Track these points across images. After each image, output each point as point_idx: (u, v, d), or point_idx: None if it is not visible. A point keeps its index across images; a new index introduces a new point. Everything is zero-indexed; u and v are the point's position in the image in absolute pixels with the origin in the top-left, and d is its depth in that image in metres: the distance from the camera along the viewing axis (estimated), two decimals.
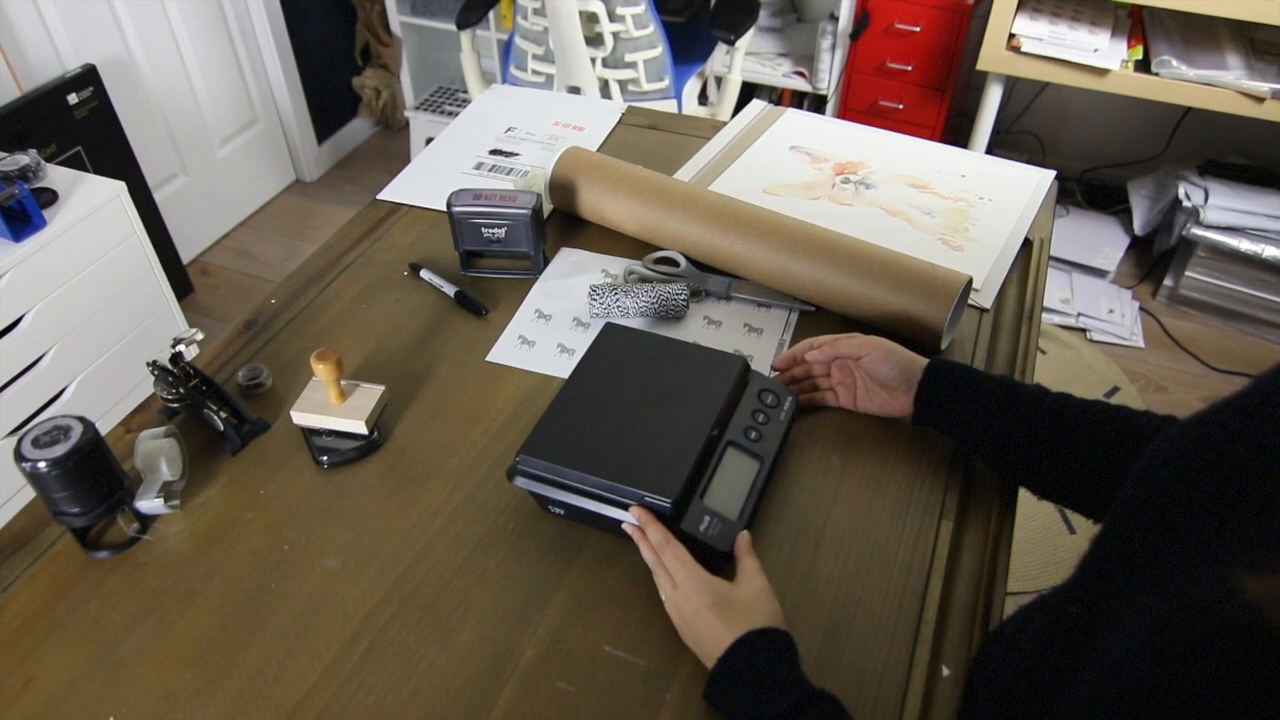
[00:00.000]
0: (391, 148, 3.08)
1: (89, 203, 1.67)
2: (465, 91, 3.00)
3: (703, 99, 2.43)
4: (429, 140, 2.43)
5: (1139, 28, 2.13)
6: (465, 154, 1.27)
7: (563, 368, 0.93)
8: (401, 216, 1.16)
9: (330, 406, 0.83)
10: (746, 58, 2.44)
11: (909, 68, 2.43)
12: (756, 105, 1.35)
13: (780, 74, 2.56)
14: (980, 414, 0.78)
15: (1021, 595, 1.72)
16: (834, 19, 2.44)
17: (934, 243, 1.07)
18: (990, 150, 2.43)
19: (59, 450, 0.70)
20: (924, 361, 0.81)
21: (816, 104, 2.65)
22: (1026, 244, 1.10)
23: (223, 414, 0.84)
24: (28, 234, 1.58)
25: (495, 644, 0.70)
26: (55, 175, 1.72)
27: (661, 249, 1.06)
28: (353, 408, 0.83)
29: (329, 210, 2.78)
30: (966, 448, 0.82)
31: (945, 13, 2.30)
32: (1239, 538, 0.45)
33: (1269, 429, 0.48)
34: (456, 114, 1.95)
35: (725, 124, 1.31)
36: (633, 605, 0.72)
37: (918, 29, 2.35)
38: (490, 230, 1.02)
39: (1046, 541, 1.83)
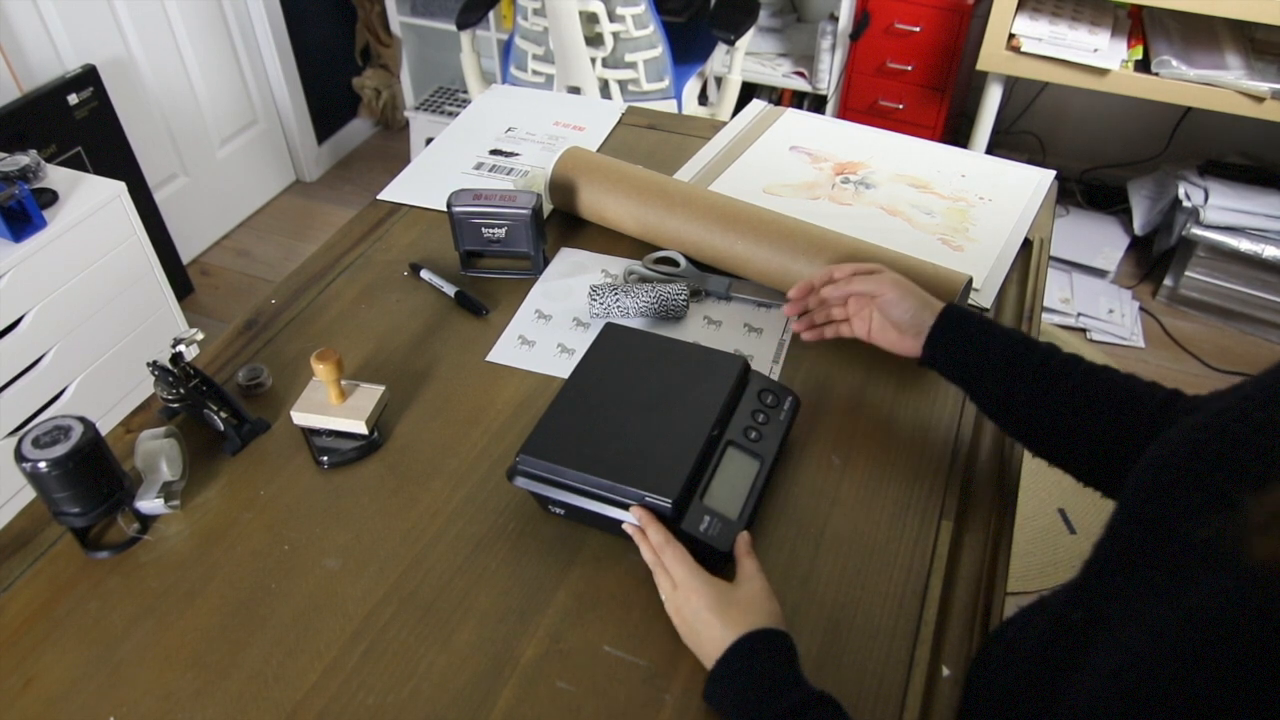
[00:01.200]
0: (391, 148, 3.08)
1: (89, 203, 1.67)
2: (465, 92, 3.00)
3: (703, 99, 2.43)
4: (429, 140, 2.43)
5: (1139, 28, 2.13)
6: (465, 154, 1.27)
7: (563, 368, 0.93)
8: (401, 217, 1.16)
9: (330, 406, 0.83)
10: (746, 58, 2.44)
11: (909, 68, 2.43)
12: (756, 105, 1.35)
13: (780, 74, 2.56)
14: (988, 363, 0.77)
15: (1021, 595, 1.72)
16: (834, 19, 2.44)
17: (934, 243, 1.07)
18: (990, 150, 2.43)
19: (59, 450, 0.70)
20: (939, 305, 0.80)
21: (816, 104, 2.65)
22: (1026, 244, 1.10)
23: (223, 414, 0.84)
24: (28, 234, 1.58)
25: (495, 644, 0.70)
26: (55, 175, 1.72)
27: (661, 249, 1.06)
28: (353, 408, 0.83)
29: (329, 210, 2.78)
30: (971, 396, 0.81)
31: (945, 13, 2.31)
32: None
33: (1269, 433, 0.48)
34: (456, 114, 1.95)
35: (725, 124, 1.31)
36: (633, 605, 0.72)
37: (918, 29, 2.35)
38: (490, 230, 1.02)
39: (1046, 542, 1.83)
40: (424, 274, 1.05)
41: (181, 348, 0.83)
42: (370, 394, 0.85)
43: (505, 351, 0.96)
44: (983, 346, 0.78)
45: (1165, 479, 0.52)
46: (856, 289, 0.84)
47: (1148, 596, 0.48)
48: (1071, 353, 0.75)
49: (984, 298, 1.01)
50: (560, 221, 1.14)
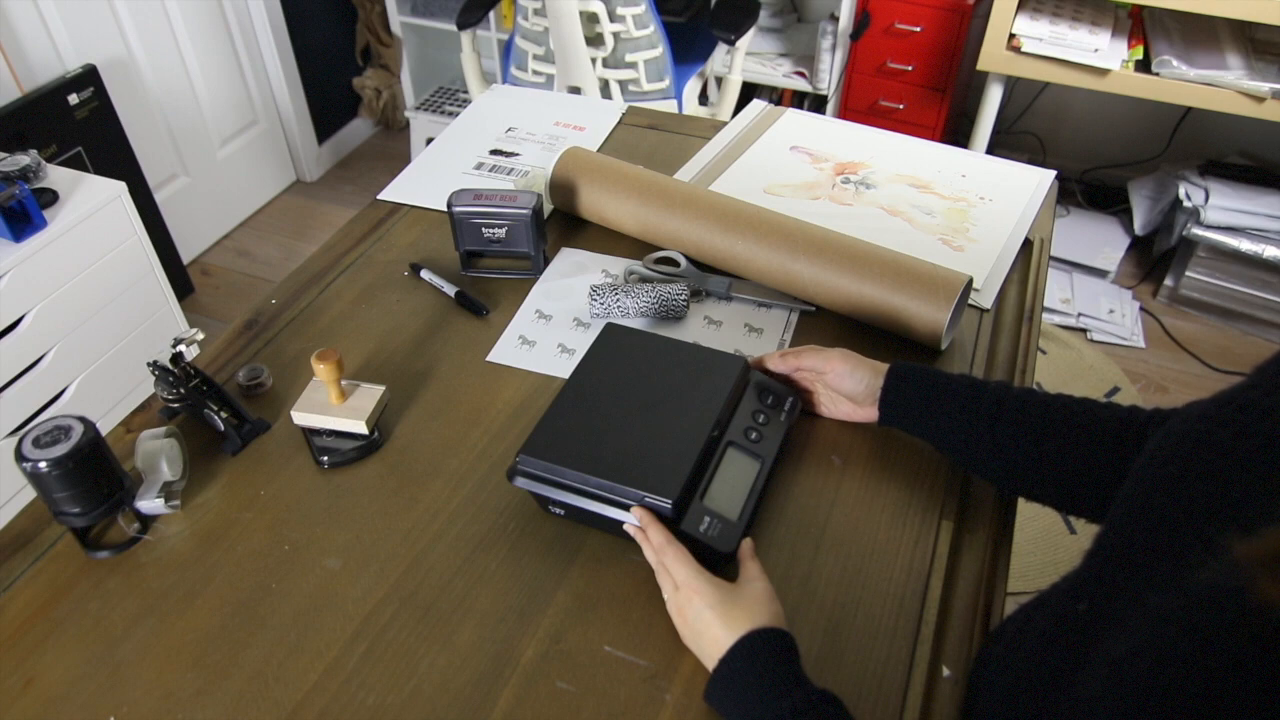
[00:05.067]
0: (392, 148, 3.08)
1: (89, 203, 1.67)
2: (466, 92, 3.00)
3: (703, 99, 2.43)
4: (429, 140, 2.43)
5: (1139, 28, 2.13)
6: (465, 154, 1.27)
7: (563, 368, 0.93)
8: (402, 217, 1.16)
9: (331, 407, 0.83)
10: (747, 58, 2.44)
11: (909, 68, 2.43)
12: (757, 105, 1.35)
13: (780, 74, 2.56)
14: (942, 413, 0.78)
15: (1021, 595, 1.72)
16: (834, 19, 2.44)
17: (934, 243, 1.07)
18: (990, 150, 2.43)
19: (59, 450, 0.70)
20: (885, 368, 0.82)
21: (817, 104, 2.65)
22: (1027, 244, 1.10)
23: (223, 414, 0.84)
24: (28, 234, 1.58)
25: (495, 644, 0.70)
26: (56, 175, 1.72)
27: (662, 249, 1.06)
28: (353, 408, 0.83)
29: (329, 210, 2.78)
30: (936, 446, 0.82)
31: (945, 13, 2.31)
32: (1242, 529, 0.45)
33: (1271, 423, 0.48)
34: (457, 114, 1.95)
35: (725, 124, 1.31)
36: (633, 605, 0.72)
37: (918, 29, 2.35)
38: (491, 230, 1.02)
39: (1046, 541, 1.83)
40: (424, 274, 1.05)
41: (182, 348, 0.83)
42: (370, 394, 0.85)
43: (505, 351, 0.96)
44: (933, 398, 0.79)
45: (1167, 473, 0.52)
46: (804, 364, 0.84)
47: (1151, 589, 0.48)
48: (1024, 387, 0.76)
49: (984, 298, 1.01)
50: (560, 221, 1.14)
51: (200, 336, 0.85)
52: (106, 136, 2.10)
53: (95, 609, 0.73)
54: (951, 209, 1.13)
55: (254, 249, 2.63)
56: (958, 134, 2.76)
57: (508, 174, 1.23)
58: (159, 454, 0.79)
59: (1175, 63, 1.98)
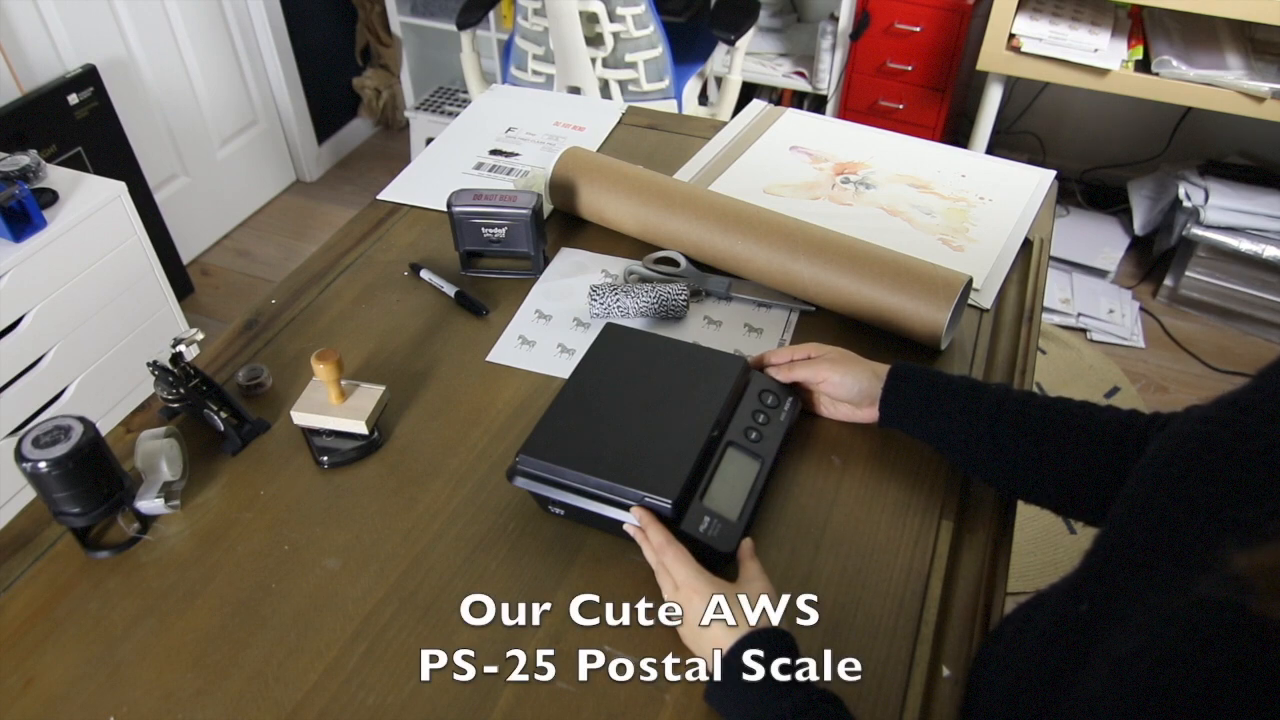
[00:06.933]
0: (392, 148, 3.08)
1: (89, 203, 1.67)
2: (465, 92, 3.00)
3: (703, 99, 2.43)
4: (429, 140, 2.43)
5: (1139, 28, 2.13)
6: (465, 154, 1.27)
7: (563, 368, 0.93)
8: (402, 217, 1.16)
9: (330, 406, 0.83)
10: (747, 58, 2.44)
11: (909, 68, 2.43)
12: (756, 105, 1.35)
13: (780, 74, 2.56)
14: (943, 414, 0.78)
15: (1021, 595, 1.72)
16: (834, 19, 2.44)
17: (934, 243, 1.07)
18: (990, 150, 2.43)
19: (59, 450, 0.70)
20: (885, 370, 0.82)
21: (816, 104, 2.65)
22: (1027, 244, 1.10)
23: (223, 414, 0.84)
24: (28, 234, 1.58)
25: (495, 644, 0.70)
26: (55, 175, 1.72)
27: (661, 249, 1.06)
28: (353, 408, 0.83)
29: (329, 210, 2.78)
30: (936, 448, 0.82)
31: (945, 13, 2.31)
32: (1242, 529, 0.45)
33: (1274, 427, 0.47)
34: (457, 114, 1.95)
35: (725, 124, 1.31)
36: (633, 605, 0.72)
37: (918, 29, 2.35)
38: (490, 230, 1.02)
39: (1046, 541, 1.83)
40: (424, 274, 1.05)
41: (181, 348, 0.83)
42: (370, 394, 0.85)
43: (505, 351, 0.96)
44: (934, 398, 0.79)
45: (1170, 474, 0.52)
46: (798, 377, 0.85)
47: (1153, 589, 0.48)
48: (1024, 390, 0.76)
49: (984, 298, 1.01)
50: (560, 221, 1.14)
51: (200, 336, 0.85)
52: (106, 136, 2.10)
53: (95, 609, 0.73)
54: (951, 209, 1.13)
55: (254, 249, 2.63)
56: (958, 134, 2.76)
57: (508, 174, 1.23)
58: (159, 454, 0.79)
59: (1175, 63, 1.98)
